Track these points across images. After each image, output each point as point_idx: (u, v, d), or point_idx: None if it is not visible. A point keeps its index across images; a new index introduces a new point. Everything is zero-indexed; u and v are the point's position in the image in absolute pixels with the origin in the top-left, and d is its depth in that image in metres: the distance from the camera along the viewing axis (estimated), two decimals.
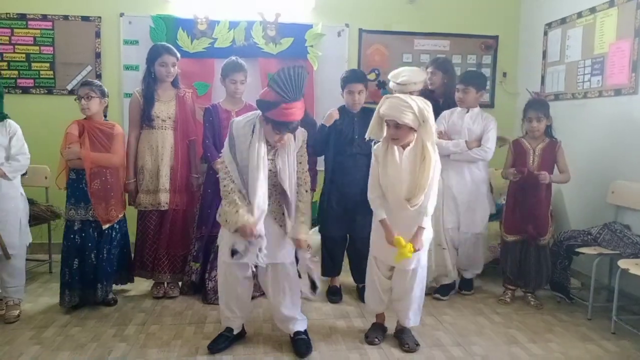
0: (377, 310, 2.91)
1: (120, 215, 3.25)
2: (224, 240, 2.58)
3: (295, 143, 2.58)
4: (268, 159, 2.50)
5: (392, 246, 2.53)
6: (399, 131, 2.52)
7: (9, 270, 3.08)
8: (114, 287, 3.40)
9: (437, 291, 3.53)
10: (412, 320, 2.80)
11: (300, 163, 2.62)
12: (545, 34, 4.49)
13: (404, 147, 2.58)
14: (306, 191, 2.63)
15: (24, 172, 3.12)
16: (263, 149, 2.46)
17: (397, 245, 2.50)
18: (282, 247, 2.61)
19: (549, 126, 3.38)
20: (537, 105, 3.38)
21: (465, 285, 3.66)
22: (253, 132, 2.47)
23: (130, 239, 3.49)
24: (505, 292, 3.56)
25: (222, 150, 2.61)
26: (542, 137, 3.39)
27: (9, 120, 3.07)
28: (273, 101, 2.36)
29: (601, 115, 3.80)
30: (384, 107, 2.55)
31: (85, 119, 3.18)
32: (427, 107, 2.50)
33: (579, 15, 4.06)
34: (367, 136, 2.68)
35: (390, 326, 2.94)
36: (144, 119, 3.34)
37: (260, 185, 2.42)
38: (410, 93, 3.34)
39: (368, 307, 2.96)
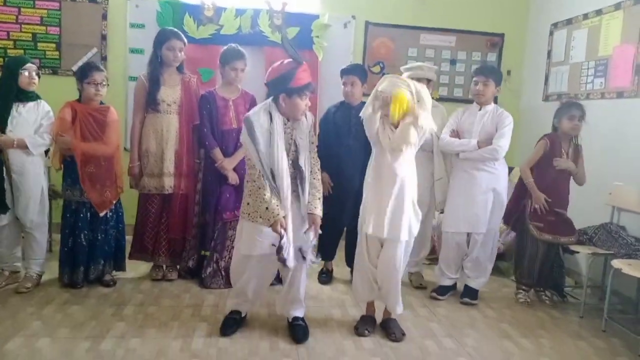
0: (368, 298, 2.89)
1: (115, 201, 3.27)
2: (245, 231, 2.62)
3: (307, 122, 2.64)
4: (290, 140, 2.56)
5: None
6: None
7: (32, 243, 3.23)
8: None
9: (435, 290, 3.48)
10: (399, 306, 2.82)
11: (312, 143, 2.68)
12: (551, 33, 4.51)
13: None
14: (318, 169, 2.70)
15: (45, 149, 3.25)
16: (283, 133, 2.52)
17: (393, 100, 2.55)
18: (301, 228, 2.63)
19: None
20: (578, 104, 3.30)
21: (469, 294, 3.41)
22: (271, 120, 2.49)
23: (129, 221, 3.52)
24: (521, 291, 3.48)
25: (240, 139, 2.61)
26: (570, 141, 3.36)
27: (42, 102, 3.21)
28: (290, 70, 2.47)
29: (602, 117, 3.82)
30: (383, 84, 2.62)
31: (78, 100, 3.20)
32: (423, 91, 2.61)
33: (585, 16, 4.08)
34: (361, 114, 2.73)
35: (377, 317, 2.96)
36: (150, 102, 3.34)
37: (286, 172, 2.49)
38: (418, 80, 3.32)
39: (358, 296, 2.94)
